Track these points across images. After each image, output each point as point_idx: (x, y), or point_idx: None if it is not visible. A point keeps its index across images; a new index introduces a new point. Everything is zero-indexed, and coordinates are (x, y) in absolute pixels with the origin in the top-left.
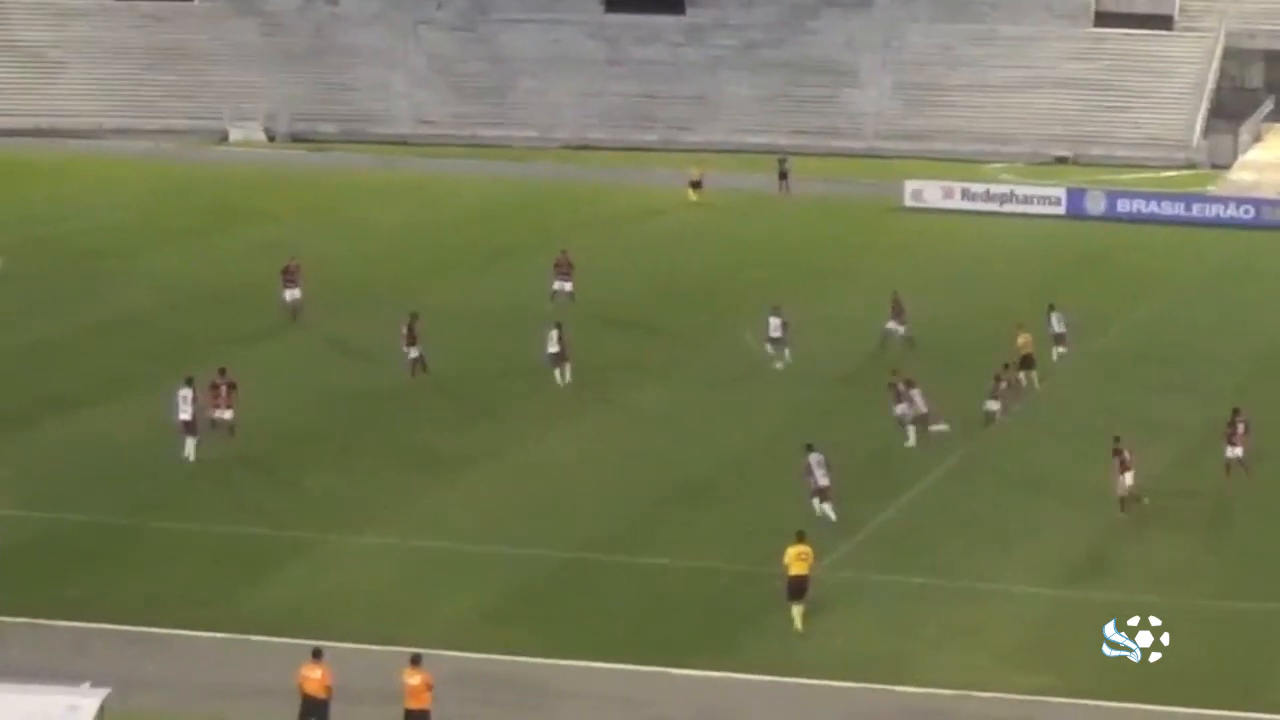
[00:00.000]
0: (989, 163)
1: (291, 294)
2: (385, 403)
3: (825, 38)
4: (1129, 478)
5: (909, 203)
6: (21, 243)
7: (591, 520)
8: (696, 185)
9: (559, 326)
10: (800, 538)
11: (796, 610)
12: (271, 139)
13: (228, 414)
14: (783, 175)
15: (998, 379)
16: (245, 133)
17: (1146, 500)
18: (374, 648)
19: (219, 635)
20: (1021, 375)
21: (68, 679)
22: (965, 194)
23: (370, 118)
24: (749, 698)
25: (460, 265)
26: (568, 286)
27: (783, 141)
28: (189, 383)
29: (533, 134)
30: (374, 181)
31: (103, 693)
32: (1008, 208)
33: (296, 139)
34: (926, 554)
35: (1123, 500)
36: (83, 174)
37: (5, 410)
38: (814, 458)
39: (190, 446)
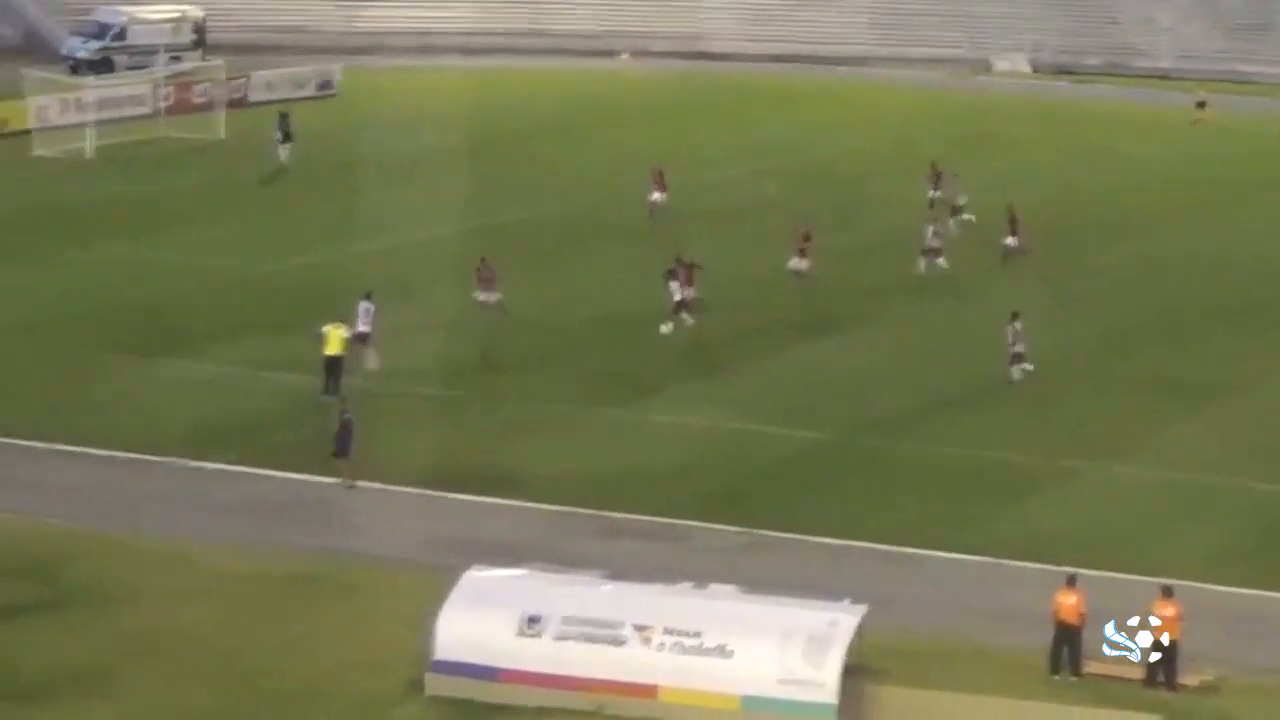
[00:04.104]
0: None
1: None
2: (1131, 333)
3: None
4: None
5: None
6: (786, 168)
7: None
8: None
9: None
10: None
11: None
12: (1035, 70)
13: (690, 291)
14: None
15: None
16: (1010, 63)
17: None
18: (1123, 576)
19: (974, 558)
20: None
21: (826, 594)
22: None
23: (1134, 51)
24: None
25: (1210, 203)
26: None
27: None
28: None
29: None
30: (1129, 115)
31: (861, 609)
32: None
33: (1060, 71)
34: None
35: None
36: (844, 101)
37: (758, 331)
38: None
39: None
